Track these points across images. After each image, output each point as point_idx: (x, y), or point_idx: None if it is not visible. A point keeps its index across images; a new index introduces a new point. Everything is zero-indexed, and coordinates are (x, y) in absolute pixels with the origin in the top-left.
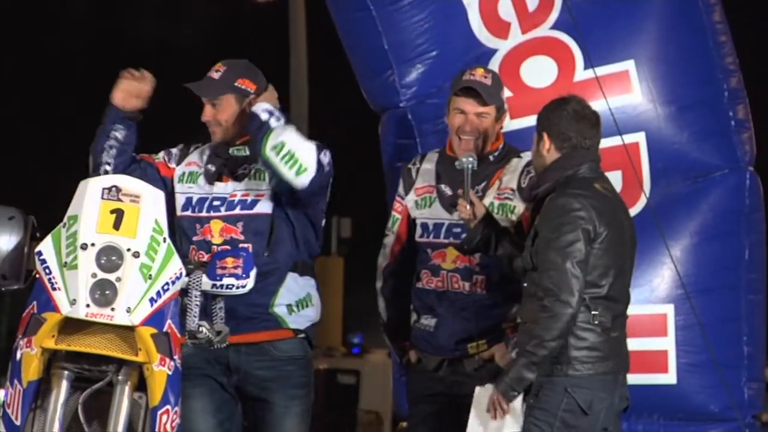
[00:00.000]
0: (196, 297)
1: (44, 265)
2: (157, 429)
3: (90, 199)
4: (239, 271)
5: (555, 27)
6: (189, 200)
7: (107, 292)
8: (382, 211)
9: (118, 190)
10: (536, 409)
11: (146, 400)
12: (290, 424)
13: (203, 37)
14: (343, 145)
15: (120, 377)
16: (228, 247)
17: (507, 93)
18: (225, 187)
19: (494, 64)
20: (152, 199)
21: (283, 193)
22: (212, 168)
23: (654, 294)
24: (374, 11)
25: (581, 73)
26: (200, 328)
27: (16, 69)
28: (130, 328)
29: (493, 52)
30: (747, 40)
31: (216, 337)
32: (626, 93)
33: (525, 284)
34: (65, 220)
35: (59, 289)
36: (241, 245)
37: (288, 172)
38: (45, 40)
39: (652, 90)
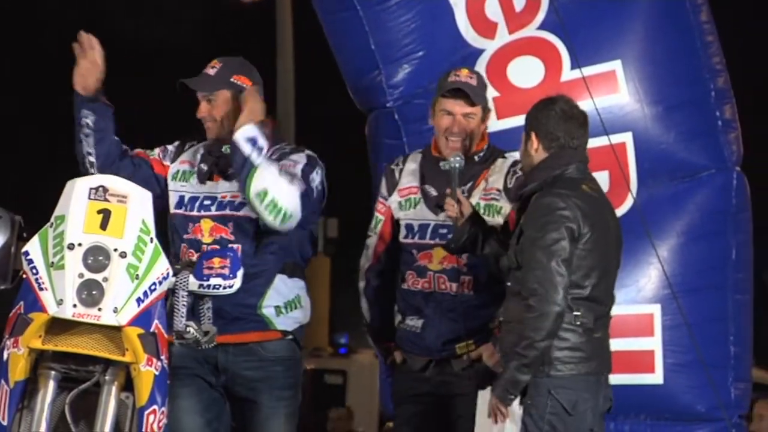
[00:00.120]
0: (183, 297)
1: (31, 265)
2: (144, 429)
3: (77, 199)
4: (226, 271)
5: (542, 27)
6: (181, 198)
7: (94, 292)
8: (369, 212)
9: (105, 190)
10: (526, 414)
11: (133, 400)
12: (277, 425)
13: (189, 37)
14: (329, 145)
15: (107, 377)
16: (217, 247)
17: (494, 93)
18: (216, 187)
19: (481, 64)
20: (139, 199)
21: None
22: (204, 167)
23: (641, 294)
24: (361, 11)
25: (568, 73)
26: (188, 329)
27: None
28: (117, 329)
29: (480, 52)
30: (734, 40)
31: (203, 337)
32: (613, 93)
33: (509, 283)
34: (52, 220)
35: (46, 289)
36: (230, 245)
37: (272, 221)
38: (28, 39)
39: (639, 90)
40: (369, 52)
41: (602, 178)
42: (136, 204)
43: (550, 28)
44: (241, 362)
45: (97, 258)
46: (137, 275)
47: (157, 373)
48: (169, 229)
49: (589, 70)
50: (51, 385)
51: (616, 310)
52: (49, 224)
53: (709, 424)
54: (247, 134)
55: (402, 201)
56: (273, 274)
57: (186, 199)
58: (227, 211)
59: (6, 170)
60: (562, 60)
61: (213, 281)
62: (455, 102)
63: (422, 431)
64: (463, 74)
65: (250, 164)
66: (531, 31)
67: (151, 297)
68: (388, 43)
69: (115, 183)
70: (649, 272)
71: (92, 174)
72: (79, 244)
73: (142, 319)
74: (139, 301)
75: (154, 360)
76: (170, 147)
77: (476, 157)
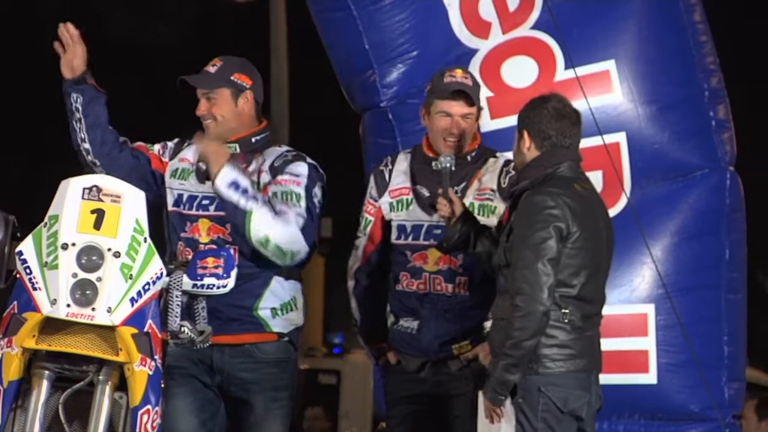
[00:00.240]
0: (177, 297)
1: (25, 265)
2: (137, 429)
3: (71, 199)
4: (220, 271)
5: (535, 27)
6: (180, 197)
7: (88, 292)
8: None
9: (99, 190)
10: (520, 412)
11: (127, 400)
12: (271, 426)
13: (183, 37)
14: (323, 145)
15: (101, 377)
16: (214, 246)
17: (487, 93)
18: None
19: (475, 64)
20: (133, 199)
21: None
22: (203, 166)
23: (634, 294)
24: (355, 11)
25: (562, 73)
26: (182, 328)
27: None
28: (111, 328)
29: (474, 52)
30: (727, 39)
31: (198, 336)
32: (607, 93)
33: (500, 281)
34: (46, 219)
35: (40, 289)
36: (227, 246)
37: (281, 262)
38: (26, 38)
39: (632, 90)
40: (363, 51)
41: (596, 177)
42: (130, 204)
43: (544, 28)
44: (236, 363)
45: (90, 258)
46: (131, 275)
47: (150, 372)
48: (166, 227)
49: (582, 70)
50: (45, 384)
51: (609, 310)
52: (42, 224)
53: (703, 423)
54: (226, 181)
55: (393, 202)
56: (270, 275)
57: (184, 197)
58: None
59: (1, 169)
60: (555, 60)
61: (207, 281)
62: (455, 103)
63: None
64: (459, 75)
65: (242, 211)
66: (525, 30)
67: (145, 297)
68: (381, 43)
69: (109, 183)
70: (643, 272)
71: (89, 161)
72: (73, 244)
73: (135, 319)
74: (132, 300)
75: (148, 360)
76: (170, 143)
77: (468, 157)
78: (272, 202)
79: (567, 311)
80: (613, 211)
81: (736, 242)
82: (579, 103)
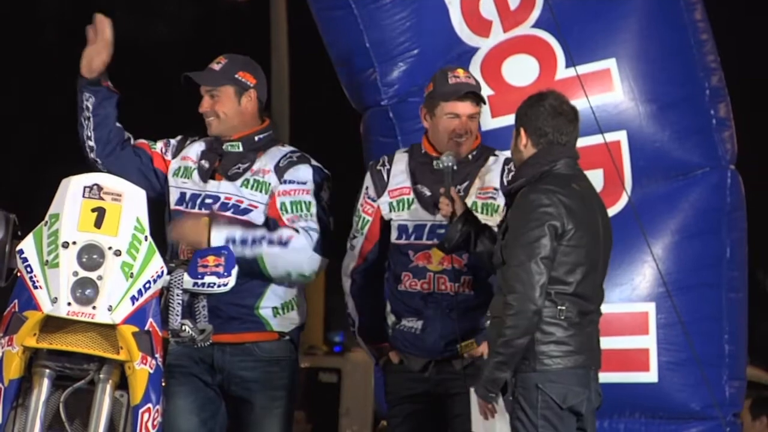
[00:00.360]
0: (178, 295)
1: (25, 264)
2: (138, 427)
3: (71, 197)
4: (221, 270)
5: (536, 25)
6: (183, 195)
7: (88, 291)
8: None
9: (100, 188)
10: (519, 410)
11: (128, 399)
12: (271, 425)
13: (184, 36)
14: (324, 144)
15: (101, 376)
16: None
17: (488, 91)
18: (218, 186)
19: (476, 63)
20: (134, 197)
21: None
22: (206, 164)
23: (635, 292)
24: (355, 9)
25: (563, 72)
26: (183, 327)
27: None
28: (112, 327)
29: (475, 50)
30: (728, 38)
31: (199, 335)
32: (608, 91)
33: (498, 279)
34: (46, 218)
35: (40, 287)
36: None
37: (307, 281)
38: (27, 38)
39: (633, 88)
40: (363, 50)
41: (597, 176)
42: (131, 202)
43: (545, 27)
44: (236, 362)
45: (91, 256)
46: (132, 273)
47: (151, 371)
48: (168, 226)
49: (583, 69)
50: (45, 383)
51: (610, 309)
52: (43, 222)
53: (704, 422)
54: (224, 237)
55: (393, 202)
56: None
57: (187, 196)
58: (230, 213)
59: (2, 169)
60: (556, 58)
61: (207, 279)
62: (463, 104)
63: (419, 431)
64: (462, 75)
65: (252, 261)
66: (526, 29)
67: (146, 295)
68: (382, 42)
69: (110, 181)
70: (644, 270)
71: (91, 158)
72: (74, 243)
73: (136, 318)
74: (133, 299)
75: (149, 358)
76: (173, 141)
77: (470, 156)
78: (281, 215)
79: (563, 308)
80: (613, 210)
81: (737, 241)
82: (580, 102)
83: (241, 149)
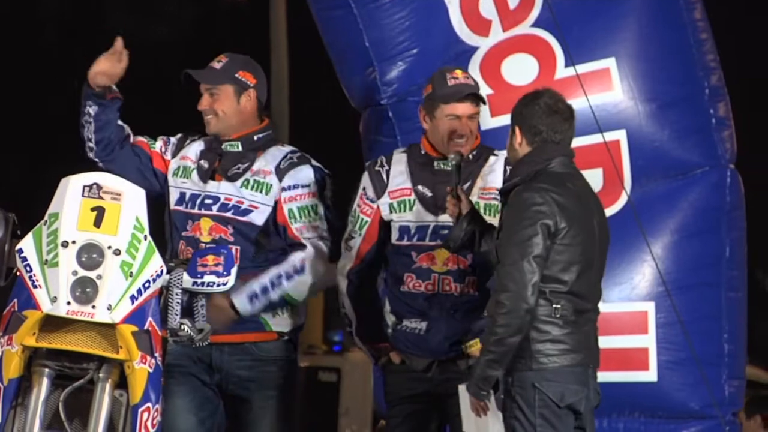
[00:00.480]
0: (177, 295)
1: (25, 263)
2: (137, 427)
3: (71, 196)
4: (220, 269)
5: (536, 24)
6: (182, 195)
7: (88, 290)
8: None
9: (99, 187)
10: (516, 409)
11: (127, 398)
12: (269, 424)
13: (184, 35)
14: (324, 143)
15: (101, 375)
16: (213, 245)
17: (488, 91)
18: (218, 187)
19: (475, 62)
20: (133, 196)
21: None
22: (205, 164)
23: (635, 291)
24: (355, 9)
25: (562, 71)
26: (181, 326)
27: None
28: (111, 326)
29: (474, 49)
30: (728, 37)
31: (197, 334)
32: (607, 91)
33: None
34: (46, 217)
35: (40, 286)
36: (229, 246)
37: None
38: (24, 40)
39: (633, 88)
40: (363, 49)
41: (596, 175)
42: (130, 201)
43: (544, 26)
44: (235, 361)
45: (91, 255)
46: (131, 273)
47: (151, 370)
48: (168, 226)
49: (583, 68)
50: (45, 382)
51: (610, 308)
52: (42, 222)
53: (703, 421)
54: (247, 307)
55: (394, 203)
56: None
57: (187, 196)
58: (230, 214)
59: (2, 169)
60: (556, 57)
61: (207, 278)
62: (463, 105)
63: (420, 431)
64: (461, 76)
65: (281, 300)
66: (525, 28)
67: (145, 294)
68: (382, 41)
69: (109, 180)
70: (643, 270)
71: (90, 157)
72: (73, 242)
73: (136, 317)
74: (133, 298)
75: (148, 357)
76: (173, 139)
77: (470, 156)
78: (290, 223)
79: (558, 306)
80: (613, 209)
81: (737, 240)
82: (579, 101)
83: (240, 149)
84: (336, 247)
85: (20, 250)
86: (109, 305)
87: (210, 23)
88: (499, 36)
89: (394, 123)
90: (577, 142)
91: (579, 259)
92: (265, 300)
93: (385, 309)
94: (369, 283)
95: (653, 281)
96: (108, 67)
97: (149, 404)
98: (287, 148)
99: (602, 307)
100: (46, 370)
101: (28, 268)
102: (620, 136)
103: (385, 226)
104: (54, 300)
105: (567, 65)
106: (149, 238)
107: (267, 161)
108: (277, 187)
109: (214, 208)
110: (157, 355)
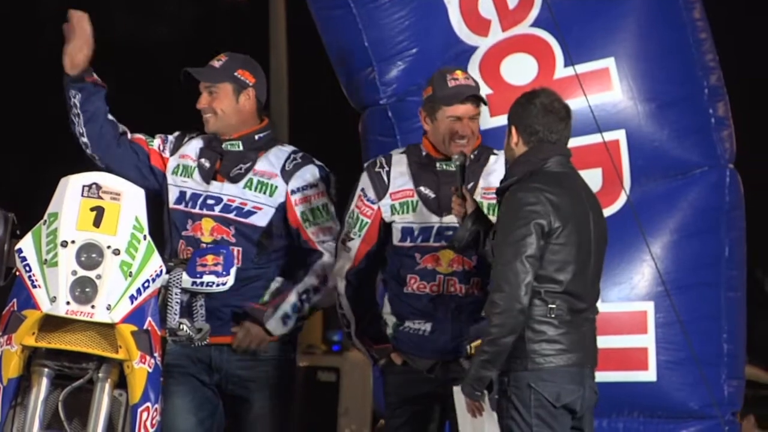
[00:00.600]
0: (176, 294)
1: (24, 263)
2: (137, 426)
3: (70, 196)
4: (219, 269)
5: (535, 24)
6: (182, 194)
7: (87, 290)
8: None
9: (99, 187)
10: (512, 409)
11: (126, 398)
12: (269, 424)
13: (183, 35)
14: (323, 143)
15: (100, 374)
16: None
17: (487, 90)
18: (221, 187)
19: (474, 62)
20: (133, 196)
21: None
22: (206, 163)
23: (634, 291)
24: (354, 8)
25: (561, 71)
26: (180, 326)
27: None
28: (111, 326)
29: (474, 49)
30: (727, 37)
31: (196, 334)
32: (606, 90)
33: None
34: (45, 217)
35: (39, 286)
36: (231, 247)
37: None
38: (24, 40)
39: (632, 87)
40: (362, 49)
41: (595, 175)
42: (130, 201)
43: (544, 26)
44: (234, 361)
45: (90, 255)
46: (130, 272)
47: (150, 370)
48: (167, 225)
49: (582, 68)
50: (44, 382)
51: (609, 308)
52: (42, 222)
53: (702, 421)
54: (279, 328)
55: (396, 204)
56: (272, 277)
57: (187, 195)
58: (233, 216)
59: (2, 168)
60: (555, 57)
61: (206, 278)
62: (464, 106)
63: (422, 431)
64: (462, 77)
65: (309, 312)
66: (524, 28)
67: (145, 294)
68: (381, 41)
69: (109, 180)
70: (643, 270)
71: (88, 154)
72: (73, 242)
73: (135, 317)
74: (132, 298)
75: (148, 357)
76: (170, 137)
77: (471, 156)
78: (304, 226)
79: (553, 306)
80: (612, 209)
81: (736, 240)
82: (578, 101)
83: (241, 148)
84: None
85: (20, 250)
86: (109, 305)
87: (210, 23)
88: (499, 36)
89: (394, 123)
90: (576, 142)
91: (574, 258)
92: (296, 317)
93: (384, 310)
94: (367, 283)
95: (652, 281)
96: (78, 42)
97: (148, 404)
98: (289, 148)
99: (601, 306)
100: (46, 369)
101: (27, 268)
102: (619, 135)
103: (384, 227)
104: (53, 300)
105: (566, 65)
106: (148, 237)
107: (270, 162)
108: (282, 189)
109: (217, 208)
110: (156, 354)
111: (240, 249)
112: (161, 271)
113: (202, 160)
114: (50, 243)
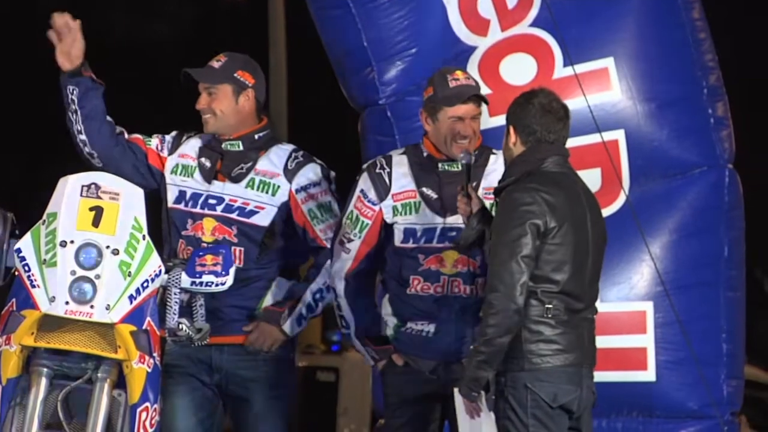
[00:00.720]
0: (175, 294)
1: (23, 263)
2: (136, 426)
3: (69, 196)
4: (218, 269)
5: (534, 24)
6: (182, 194)
7: (86, 290)
8: None
9: (98, 187)
10: (509, 410)
11: (125, 398)
12: (269, 424)
13: (182, 34)
14: (322, 143)
15: (99, 374)
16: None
17: (486, 90)
18: (223, 187)
19: (473, 62)
20: (132, 196)
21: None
22: (207, 163)
23: (633, 291)
24: (353, 8)
25: (560, 71)
26: (180, 326)
27: None
28: (110, 326)
29: (473, 49)
30: (726, 37)
31: (196, 334)
32: (605, 90)
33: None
34: (44, 217)
35: (38, 286)
36: (232, 247)
37: None
38: (24, 40)
39: (631, 87)
40: (361, 49)
41: (594, 175)
42: (129, 201)
43: (543, 26)
44: (235, 361)
45: (89, 255)
46: (129, 272)
47: (149, 370)
48: (165, 223)
49: (581, 68)
50: (43, 382)
51: (608, 308)
52: (41, 221)
53: (702, 421)
54: (294, 329)
55: (398, 205)
56: (272, 277)
57: (187, 195)
58: (235, 216)
59: (1, 168)
60: (554, 57)
61: (205, 278)
62: (465, 107)
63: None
64: (462, 77)
65: (320, 311)
66: (523, 28)
67: (144, 294)
68: (380, 40)
69: (108, 180)
70: (642, 269)
71: (86, 153)
72: (72, 242)
73: (134, 317)
74: (131, 298)
75: (147, 357)
76: (168, 137)
77: (475, 153)
78: (312, 225)
79: (550, 306)
80: (611, 209)
81: (735, 240)
82: (577, 101)
83: (241, 148)
84: None
85: (18, 250)
86: (108, 305)
87: (209, 22)
88: (498, 36)
89: (393, 123)
90: (575, 142)
91: (571, 258)
92: (311, 316)
93: (384, 311)
94: (366, 284)
95: (652, 281)
96: (64, 44)
97: (147, 404)
98: (289, 147)
99: (600, 306)
100: (45, 369)
101: (26, 268)
102: (619, 135)
103: (385, 228)
104: (52, 299)
105: (565, 65)
106: (147, 237)
107: (271, 161)
108: (285, 188)
109: (219, 208)
110: (155, 354)
111: (242, 249)
112: (160, 271)
113: (203, 159)
114: (49, 243)
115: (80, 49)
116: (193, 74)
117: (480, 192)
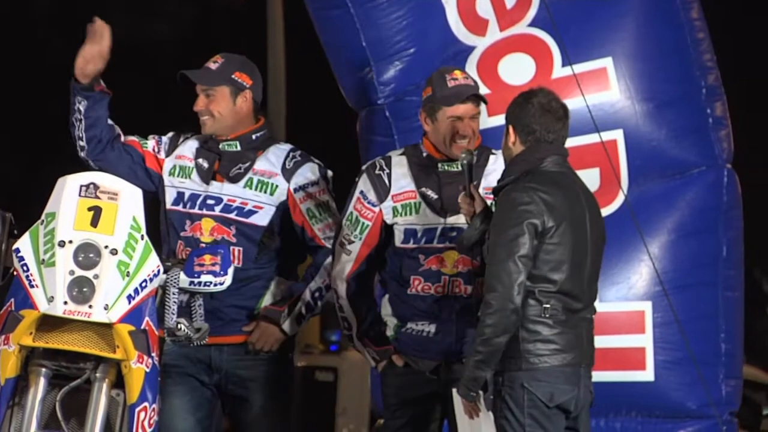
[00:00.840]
0: (174, 294)
1: (22, 263)
2: (134, 426)
3: (68, 196)
4: (217, 269)
5: (533, 24)
6: (180, 195)
7: (85, 290)
8: None
9: (96, 187)
10: (506, 409)
11: (124, 398)
12: (269, 423)
13: (181, 34)
14: (321, 143)
15: (98, 374)
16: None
17: (485, 90)
18: (221, 187)
19: (472, 62)
20: (130, 196)
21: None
22: (204, 164)
23: (632, 291)
24: (352, 8)
25: (559, 71)
26: (179, 326)
27: None
28: (108, 326)
29: (471, 49)
30: (725, 36)
31: (195, 334)
32: (604, 90)
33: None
34: (43, 217)
35: (37, 286)
36: (231, 247)
37: None
38: (23, 40)
39: (630, 87)
40: (360, 49)
41: (593, 175)
42: (127, 201)
43: (541, 25)
44: (234, 361)
45: (87, 255)
46: (128, 272)
47: (147, 370)
48: (164, 225)
49: (580, 68)
50: (42, 382)
51: (607, 307)
52: (39, 221)
53: (700, 421)
54: (293, 328)
55: (398, 206)
56: (271, 277)
57: (185, 195)
58: (234, 216)
59: (0, 168)
60: (553, 57)
61: (204, 278)
62: (465, 106)
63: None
64: (461, 77)
65: (319, 310)
66: (522, 28)
67: (142, 294)
68: (379, 41)
69: (106, 180)
70: (640, 269)
71: (82, 156)
72: (70, 242)
73: (132, 317)
74: (129, 298)
75: (145, 357)
76: (164, 138)
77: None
78: (311, 224)
79: (548, 306)
80: (610, 209)
81: (734, 240)
82: (576, 101)
83: (238, 148)
84: None
85: (17, 250)
86: (106, 305)
87: (207, 23)
88: (496, 36)
89: (392, 123)
90: (574, 142)
91: (569, 258)
92: (310, 315)
93: (384, 312)
94: (366, 285)
95: (650, 281)
96: (95, 51)
97: (146, 404)
98: (286, 146)
99: (599, 306)
100: (43, 369)
101: (25, 268)
102: (617, 135)
103: (385, 229)
104: (51, 299)
105: (564, 65)
106: (146, 237)
107: (269, 161)
108: (284, 187)
109: (217, 208)
110: (153, 354)
111: (240, 249)
112: (159, 271)
113: (200, 160)
114: (48, 243)
115: (97, 70)
116: (190, 76)
117: (481, 192)
